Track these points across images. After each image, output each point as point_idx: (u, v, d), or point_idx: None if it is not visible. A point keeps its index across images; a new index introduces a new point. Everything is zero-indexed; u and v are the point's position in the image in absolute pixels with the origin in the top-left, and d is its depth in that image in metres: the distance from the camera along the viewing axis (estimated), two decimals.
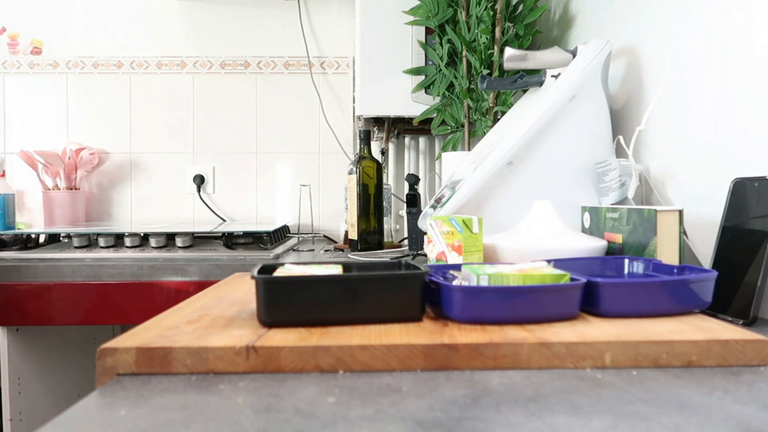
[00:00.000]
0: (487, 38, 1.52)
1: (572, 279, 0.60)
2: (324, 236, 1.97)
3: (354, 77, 2.07)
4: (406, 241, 1.73)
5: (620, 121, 1.13)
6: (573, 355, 0.50)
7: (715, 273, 0.62)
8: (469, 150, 1.57)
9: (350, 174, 1.60)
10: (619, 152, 1.05)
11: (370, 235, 1.58)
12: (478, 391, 0.45)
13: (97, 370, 0.54)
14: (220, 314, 0.64)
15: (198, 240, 1.64)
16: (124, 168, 2.12)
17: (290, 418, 0.40)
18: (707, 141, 0.87)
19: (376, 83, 1.81)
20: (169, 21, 2.12)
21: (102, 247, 1.45)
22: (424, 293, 0.60)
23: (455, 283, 0.65)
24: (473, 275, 0.61)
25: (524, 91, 1.33)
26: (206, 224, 1.91)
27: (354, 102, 2.12)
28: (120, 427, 0.38)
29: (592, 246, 0.83)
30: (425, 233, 1.21)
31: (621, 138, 1.00)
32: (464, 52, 1.57)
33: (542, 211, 0.88)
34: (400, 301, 0.58)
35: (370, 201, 1.59)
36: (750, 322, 0.64)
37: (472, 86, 1.58)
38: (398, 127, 2.01)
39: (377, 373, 0.49)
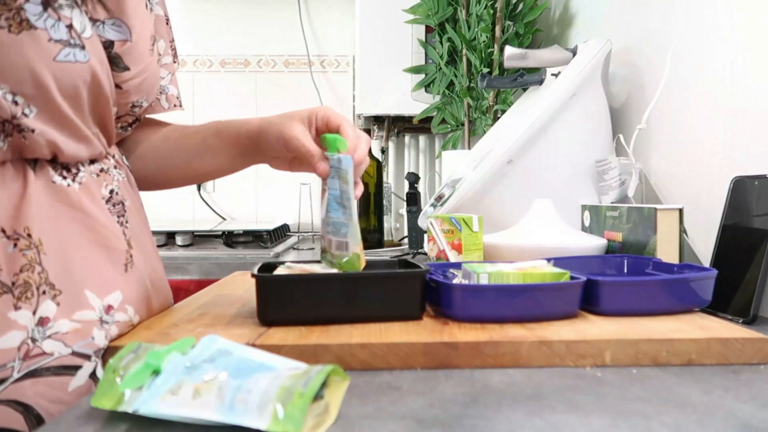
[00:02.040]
0: (487, 37, 1.52)
1: (572, 277, 0.60)
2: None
3: (354, 76, 2.07)
4: (406, 240, 1.72)
5: (620, 120, 1.13)
6: (573, 353, 0.50)
7: (714, 271, 0.62)
8: (469, 148, 1.57)
9: None
10: (619, 151, 1.05)
11: (370, 233, 1.58)
12: (478, 390, 0.45)
13: None
14: (221, 313, 0.64)
15: (198, 238, 1.64)
16: None
17: None
18: (707, 139, 0.87)
19: (376, 82, 1.81)
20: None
21: None
22: (423, 292, 0.60)
23: (455, 281, 0.65)
24: (473, 274, 0.61)
25: (524, 90, 1.33)
26: (206, 223, 1.91)
27: (354, 100, 2.11)
28: (120, 426, 0.38)
29: (592, 244, 0.83)
30: (425, 232, 1.21)
31: (621, 136, 1.00)
32: (464, 51, 1.57)
33: (542, 209, 0.88)
34: (401, 299, 0.58)
35: (371, 199, 1.59)
36: (750, 321, 0.64)
37: (472, 85, 1.58)
38: (398, 125, 2.01)
39: (377, 372, 0.49)
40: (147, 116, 0.74)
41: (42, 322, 0.50)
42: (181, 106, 0.75)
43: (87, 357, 0.52)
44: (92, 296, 0.54)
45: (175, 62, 0.74)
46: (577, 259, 0.77)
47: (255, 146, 0.68)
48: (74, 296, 0.52)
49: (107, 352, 0.53)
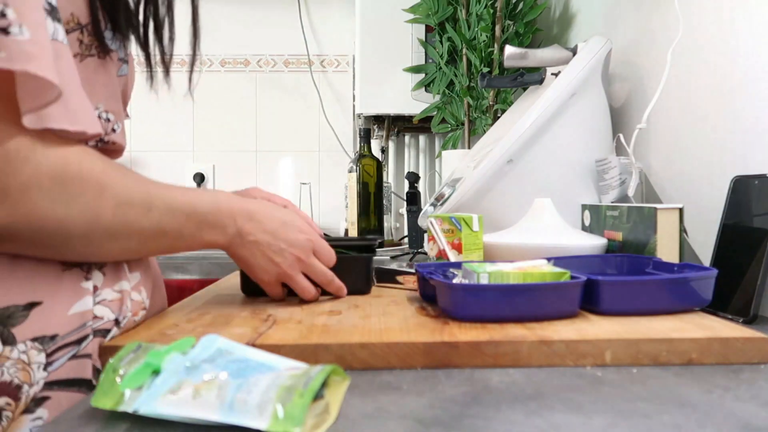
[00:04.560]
0: (487, 36, 1.52)
1: (572, 277, 0.60)
2: (324, 234, 1.97)
3: (354, 75, 2.07)
4: (406, 239, 1.72)
5: (620, 119, 1.13)
6: (573, 353, 0.50)
7: (715, 271, 0.62)
8: (469, 148, 1.57)
9: (350, 172, 1.60)
10: (620, 150, 1.05)
11: (370, 233, 1.58)
12: (479, 389, 0.45)
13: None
14: (221, 312, 0.64)
15: None
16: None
17: None
18: (707, 139, 0.87)
19: (376, 81, 1.81)
20: None
21: None
22: (370, 271, 0.76)
23: (455, 281, 0.65)
24: (474, 273, 0.61)
25: (524, 89, 1.33)
26: None
27: (354, 100, 2.11)
28: (120, 426, 0.38)
29: (592, 244, 0.83)
30: (425, 231, 1.21)
31: (621, 136, 1.00)
32: (464, 50, 1.57)
33: (542, 208, 0.88)
34: (353, 277, 0.73)
35: (370, 199, 1.59)
36: (750, 320, 0.64)
37: (472, 84, 1.58)
38: (398, 125, 2.01)
39: (377, 371, 0.49)
40: None
41: (94, 289, 0.54)
42: None
43: (118, 323, 0.55)
44: (127, 268, 0.58)
45: None
46: (577, 259, 0.77)
47: None
48: (114, 268, 0.56)
49: (106, 352, 0.53)
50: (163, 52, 0.62)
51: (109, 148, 0.58)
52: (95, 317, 0.53)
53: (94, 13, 0.52)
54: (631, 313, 0.59)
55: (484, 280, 0.60)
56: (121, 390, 0.39)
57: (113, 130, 0.57)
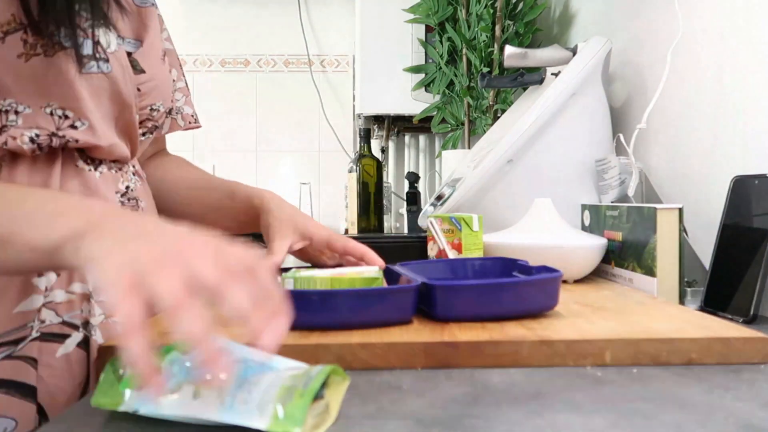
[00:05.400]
0: (487, 36, 1.52)
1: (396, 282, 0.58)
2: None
3: (354, 75, 2.07)
4: None
5: (620, 119, 1.13)
6: (573, 352, 0.50)
7: (558, 274, 0.58)
8: (469, 148, 1.57)
9: (350, 172, 1.60)
10: (619, 150, 1.05)
11: (370, 232, 1.58)
12: (479, 389, 0.45)
13: (96, 369, 0.54)
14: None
15: None
16: None
17: None
18: (707, 139, 0.87)
19: (376, 81, 1.81)
20: (169, 19, 2.11)
21: None
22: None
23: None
24: (288, 279, 0.61)
25: (524, 89, 1.33)
26: None
27: (354, 100, 2.12)
28: (120, 426, 0.38)
29: (591, 244, 0.83)
30: (425, 231, 1.21)
31: (621, 136, 1.00)
32: (464, 50, 1.57)
33: (542, 208, 0.88)
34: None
35: (370, 199, 1.59)
36: (750, 320, 0.64)
37: (472, 84, 1.58)
38: (398, 125, 2.01)
39: (378, 371, 0.49)
40: (179, 156, 0.85)
41: (45, 290, 0.54)
42: (197, 123, 0.82)
43: (75, 327, 0.55)
44: None
45: (188, 92, 0.83)
46: (437, 263, 0.73)
47: (258, 219, 0.76)
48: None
49: (106, 352, 0.53)
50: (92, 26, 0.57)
51: (71, 145, 0.57)
52: (40, 320, 0.52)
53: (27, 11, 0.52)
54: (467, 318, 0.56)
55: (289, 286, 0.59)
56: (121, 390, 0.39)
57: (73, 127, 0.56)
